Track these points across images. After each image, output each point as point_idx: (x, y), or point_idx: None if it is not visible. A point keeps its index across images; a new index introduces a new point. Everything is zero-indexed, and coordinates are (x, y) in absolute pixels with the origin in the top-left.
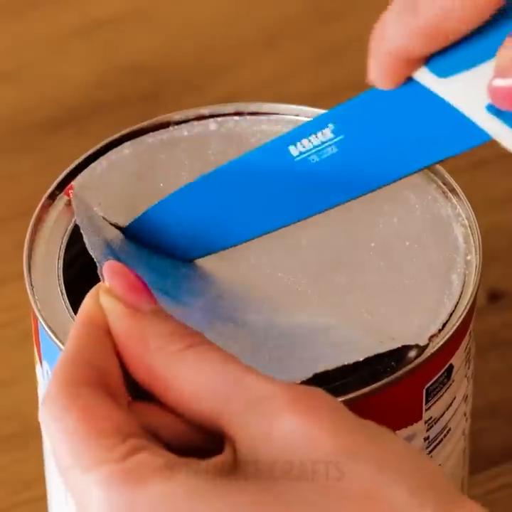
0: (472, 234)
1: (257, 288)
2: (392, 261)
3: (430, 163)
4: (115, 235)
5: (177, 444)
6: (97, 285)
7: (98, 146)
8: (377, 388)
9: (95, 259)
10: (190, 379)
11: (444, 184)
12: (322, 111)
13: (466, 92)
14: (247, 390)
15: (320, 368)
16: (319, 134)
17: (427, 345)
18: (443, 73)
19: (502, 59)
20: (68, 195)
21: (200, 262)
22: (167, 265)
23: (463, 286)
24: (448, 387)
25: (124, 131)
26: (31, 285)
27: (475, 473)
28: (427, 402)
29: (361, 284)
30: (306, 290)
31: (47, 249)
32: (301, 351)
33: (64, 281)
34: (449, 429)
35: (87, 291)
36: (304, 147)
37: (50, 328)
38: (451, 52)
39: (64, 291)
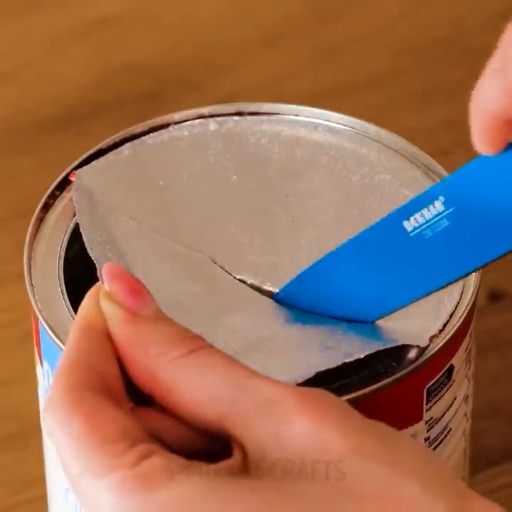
0: None
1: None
2: None
3: None
4: (117, 223)
5: (180, 448)
6: (96, 285)
7: (98, 146)
8: (378, 389)
9: (94, 260)
10: (193, 385)
11: None
12: (322, 111)
13: None
14: (253, 394)
15: (321, 367)
16: (431, 207)
17: (428, 345)
18: None
19: None
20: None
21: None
22: (170, 255)
23: (463, 286)
24: (449, 388)
25: (124, 132)
26: (32, 285)
27: (475, 473)
28: (427, 402)
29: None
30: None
31: (47, 249)
32: (301, 351)
33: (64, 281)
34: (450, 430)
35: (87, 291)
36: (417, 222)
37: (50, 328)
38: None
39: (64, 291)
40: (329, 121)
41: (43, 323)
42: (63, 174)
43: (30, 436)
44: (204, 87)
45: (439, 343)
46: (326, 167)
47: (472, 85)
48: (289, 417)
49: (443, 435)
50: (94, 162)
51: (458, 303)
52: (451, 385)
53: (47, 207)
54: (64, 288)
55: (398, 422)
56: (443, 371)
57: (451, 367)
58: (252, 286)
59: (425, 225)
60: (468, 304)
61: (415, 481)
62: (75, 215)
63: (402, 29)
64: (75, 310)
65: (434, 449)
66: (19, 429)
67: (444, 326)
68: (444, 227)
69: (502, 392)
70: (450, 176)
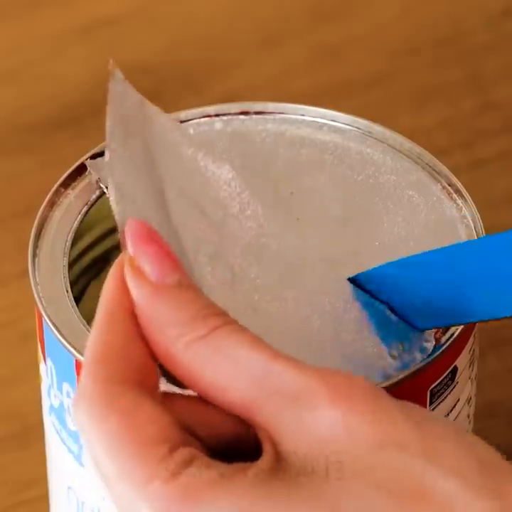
0: (477, 235)
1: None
2: None
3: None
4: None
5: (212, 439)
6: (119, 259)
7: (104, 143)
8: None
9: (117, 217)
10: (216, 368)
11: (449, 185)
12: (327, 110)
13: None
14: (280, 380)
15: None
16: None
17: (432, 346)
18: None
19: None
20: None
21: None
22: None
23: None
24: (452, 389)
25: None
26: (36, 282)
27: None
28: (431, 403)
29: None
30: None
31: (52, 246)
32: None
33: (69, 279)
34: None
35: (92, 288)
36: None
37: (54, 325)
38: None
39: (69, 289)
40: (334, 121)
41: (47, 320)
42: (68, 172)
43: (30, 436)
44: (204, 87)
45: (444, 344)
46: (331, 167)
47: (472, 85)
48: (319, 407)
49: None
50: (100, 158)
51: None
52: (454, 386)
53: (52, 204)
54: (68, 286)
55: None
56: (447, 372)
57: (455, 368)
58: None
59: None
60: None
61: (457, 473)
62: (80, 212)
63: (402, 29)
64: (80, 308)
65: None
66: (19, 429)
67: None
68: None
69: (501, 392)
70: None
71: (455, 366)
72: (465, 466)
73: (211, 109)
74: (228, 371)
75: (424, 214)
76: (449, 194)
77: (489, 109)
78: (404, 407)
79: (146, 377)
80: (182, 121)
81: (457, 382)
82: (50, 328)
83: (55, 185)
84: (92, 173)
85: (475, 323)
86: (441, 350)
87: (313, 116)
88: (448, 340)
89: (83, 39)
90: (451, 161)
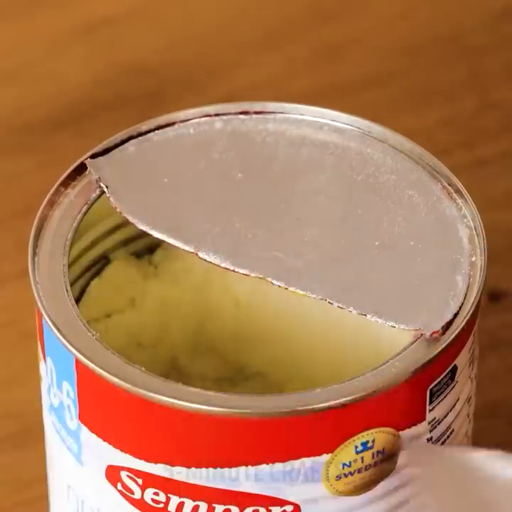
0: (477, 235)
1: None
2: (397, 260)
3: None
4: None
5: None
6: None
7: (103, 144)
8: (381, 388)
9: None
10: None
11: (450, 185)
12: (327, 110)
13: None
14: None
15: None
16: None
17: (432, 346)
18: None
19: None
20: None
21: None
22: None
23: (467, 287)
24: (452, 388)
25: (130, 129)
26: (36, 281)
27: None
28: (430, 402)
29: (365, 283)
30: (311, 288)
31: (52, 245)
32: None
33: (69, 278)
34: (453, 431)
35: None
36: None
37: (54, 324)
38: None
39: (69, 288)
40: (335, 120)
41: (47, 319)
42: (68, 171)
43: (30, 436)
44: (204, 87)
45: (443, 343)
46: (331, 166)
47: (472, 85)
48: None
49: (446, 436)
50: (100, 158)
51: (462, 303)
52: (454, 385)
53: (52, 203)
54: (68, 285)
55: (401, 422)
56: (446, 371)
57: (455, 367)
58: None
59: None
60: (472, 304)
61: None
62: (80, 212)
63: (402, 29)
64: (80, 307)
65: None
66: (19, 429)
67: (449, 325)
68: None
69: (502, 392)
70: None
71: (455, 365)
72: None
73: (211, 109)
74: None
75: (424, 213)
76: (449, 194)
77: (490, 109)
78: None
79: None
80: (182, 121)
81: (457, 382)
82: (50, 327)
83: (55, 185)
84: (93, 172)
85: (475, 324)
86: (440, 349)
87: (314, 116)
88: (448, 339)
89: (83, 39)
90: (452, 160)
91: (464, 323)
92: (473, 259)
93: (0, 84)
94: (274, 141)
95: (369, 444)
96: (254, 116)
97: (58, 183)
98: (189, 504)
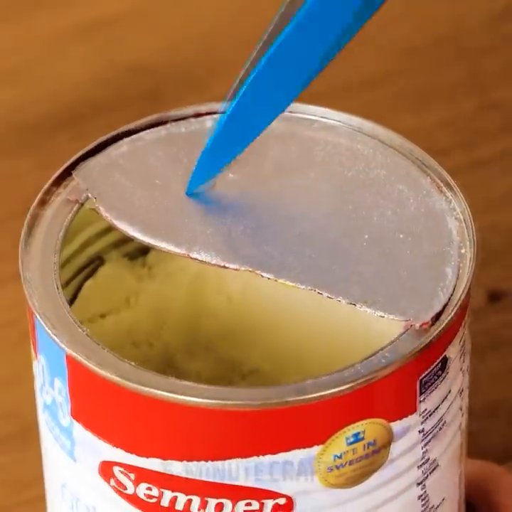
0: (466, 228)
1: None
2: (386, 253)
3: None
4: None
5: None
6: None
7: (96, 143)
8: (371, 378)
9: None
10: None
11: (439, 179)
12: (317, 107)
13: None
14: None
15: None
16: None
17: (422, 337)
18: None
19: None
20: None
21: None
22: None
23: (457, 278)
24: (443, 380)
25: (121, 128)
26: (26, 279)
27: None
28: (421, 393)
29: (355, 275)
30: (300, 279)
31: (43, 244)
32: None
33: (62, 279)
34: (445, 423)
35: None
36: None
37: (45, 321)
38: None
39: (60, 286)
40: (325, 117)
41: (39, 316)
42: (60, 170)
43: (29, 436)
44: (204, 87)
45: (433, 333)
46: (322, 163)
47: (472, 85)
48: None
49: (438, 428)
50: (90, 160)
51: (451, 295)
52: (445, 377)
53: (43, 203)
54: (59, 283)
55: (392, 413)
56: (437, 362)
57: (445, 358)
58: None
59: None
60: (461, 295)
61: None
62: (71, 211)
63: (402, 29)
64: (73, 309)
65: (429, 441)
66: (19, 429)
67: (438, 316)
68: None
69: (502, 392)
70: None
71: (445, 356)
72: None
73: (203, 107)
74: None
75: (413, 207)
76: (438, 187)
77: (489, 109)
78: None
79: None
80: (174, 119)
81: (448, 373)
82: (42, 324)
83: (47, 184)
84: (80, 183)
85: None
86: (430, 340)
87: (304, 113)
88: (437, 329)
89: (83, 39)
90: (451, 161)
91: (453, 314)
92: (463, 251)
93: (0, 84)
94: (264, 138)
95: (360, 436)
96: None
97: (50, 182)
98: (182, 498)
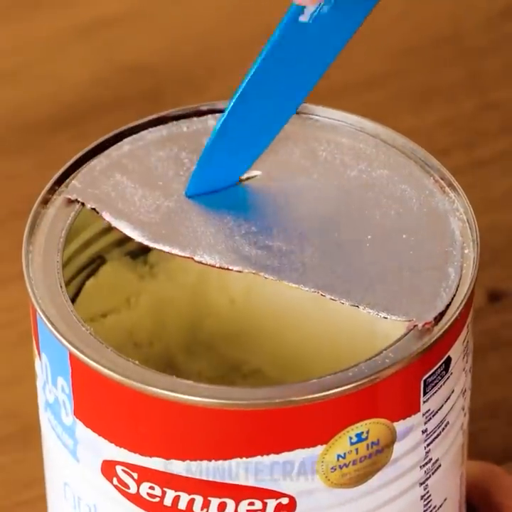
0: (470, 228)
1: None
2: (389, 253)
3: None
4: None
5: None
6: None
7: (97, 142)
8: (375, 379)
9: None
10: None
11: (442, 179)
12: (319, 107)
13: None
14: None
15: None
16: None
17: (425, 337)
18: None
19: None
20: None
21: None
22: None
23: (460, 278)
24: (446, 380)
25: (123, 127)
26: (29, 277)
27: None
28: (424, 394)
29: (358, 276)
30: (303, 281)
31: (46, 242)
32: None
33: (65, 277)
34: (448, 423)
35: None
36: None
37: (48, 319)
38: None
39: (63, 285)
40: (327, 117)
41: (41, 314)
42: (62, 170)
43: (30, 436)
44: (204, 87)
45: (436, 333)
46: (324, 163)
47: (472, 85)
48: None
49: (440, 428)
50: (93, 160)
51: (454, 295)
52: (448, 377)
53: (45, 202)
54: (63, 281)
55: (395, 413)
56: (440, 363)
57: (449, 359)
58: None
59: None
60: (464, 296)
61: None
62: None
63: (402, 29)
64: (76, 307)
65: (432, 441)
66: (19, 429)
67: (441, 316)
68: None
69: (502, 392)
70: None
71: (449, 356)
72: None
73: (204, 106)
74: None
75: (416, 207)
76: (441, 188)
77: (489, 109)
78: None
79: None
80: (175, 118)
81: (451, 373)
82: (44, 322)
83: (49, 183)
84: (80, 200)
85: (468, 316)
86: (433, 340)
87: (306, 113)
88: (440, 330)
89: (83, 39)
90: (452, 161)
91: (456, 314)
92: (466, 251)
93: (0, 84)
94: None
95: (363, 435)
96: None
97: (52, 181)
98: (185, 498)
